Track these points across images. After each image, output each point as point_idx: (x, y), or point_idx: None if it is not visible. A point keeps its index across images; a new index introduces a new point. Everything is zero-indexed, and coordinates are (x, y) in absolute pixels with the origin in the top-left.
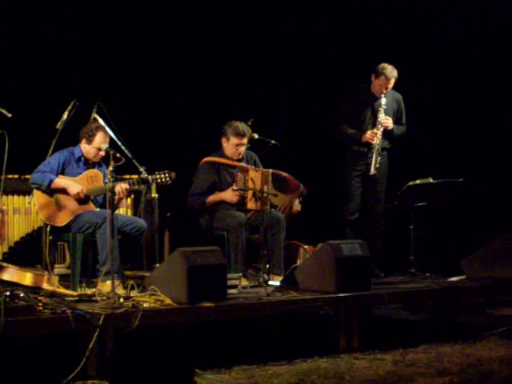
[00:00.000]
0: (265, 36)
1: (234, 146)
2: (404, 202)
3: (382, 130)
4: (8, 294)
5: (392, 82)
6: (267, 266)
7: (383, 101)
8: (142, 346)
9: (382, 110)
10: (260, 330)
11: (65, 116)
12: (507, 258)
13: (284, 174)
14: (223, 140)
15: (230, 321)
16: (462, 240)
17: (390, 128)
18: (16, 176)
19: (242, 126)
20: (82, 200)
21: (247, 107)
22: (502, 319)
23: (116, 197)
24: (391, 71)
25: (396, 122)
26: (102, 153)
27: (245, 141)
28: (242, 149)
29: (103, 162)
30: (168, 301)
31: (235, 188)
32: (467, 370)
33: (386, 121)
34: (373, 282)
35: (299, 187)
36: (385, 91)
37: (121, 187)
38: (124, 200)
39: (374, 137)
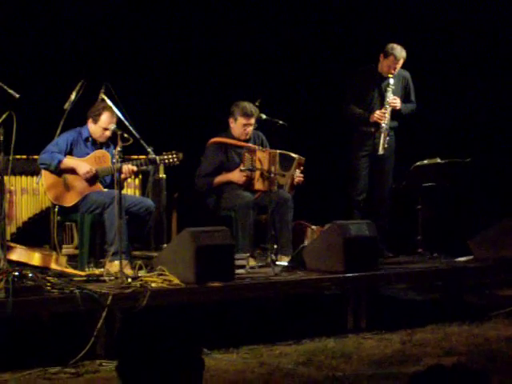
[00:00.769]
0: (273, 16)
1: (241, 126)
2: (411, 182)
3: (390, 110)
4: (16, 274)
5: (401, 62)
6: (275, 246)
7: (391, 81)
8: (150, 326)
9: (390, 89)
10: (267, 309)
11: (72, 96)
12: None
13: (290, 153)
14: (230, 120)
15: (238, 301)
16: (470, 220)
17: (398, 108)
18: (24, 156)
19: (249, 106)
20: (90, 180)
21: (255, 87)
22: (510, 299)
23: (122, 176)
24: (400, 51)
25: (404, 99)
26: (108, 133)
27: (252, 121)
28: (250, 129)
29: (111, 142)
30: (176, 281)
31: (242, 168)
32: (474, 349)
33: (394, 101)
34: (380, 262)
35: (294, 158)
36: (393, 71)
37: (128, 167)
38: (129, 180)
39: (383, 117)
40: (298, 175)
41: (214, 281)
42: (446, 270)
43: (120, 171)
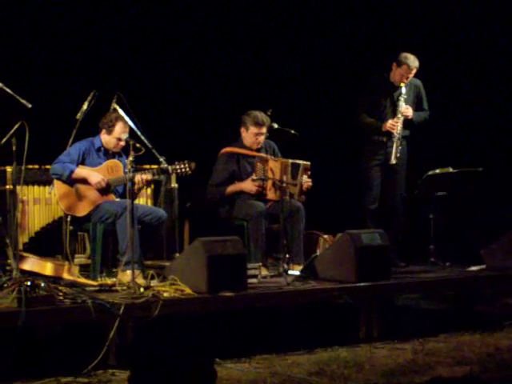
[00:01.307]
0: (285, 27)
1: (253, 135)
2: (424, 191)
3: (402, 119)
4: (29, 283)
5: (414, 72)
6: (287, 255)
7: (403, 90)
8: (162, 336)
9: (402, 99)
10: (279, 319)
11: (85, 106)
12: None
13: (301, 162)
14: (242, 130)
15: (250, 310)
16: (482, 229)
17: (410, 117)
18: (36, 166)
19: (260, 115)
20: (103, 190)
21: (267, 97)
22: None
23: (135, 186)
24: (414, 61)
25: (416, 108)
26: (122, 143)
27: (264, 130)
28: (262, 138)
29: (123, 152)
30: (188, 290)
31: (254, 178)
32: (487, 359)
33: (406, 110)
34: (393, 271)
35: (299, 165)
36: (406, 81)
37: (141, 177)
38: (143, 190)
39: (395, 126)
40: (306, 180)
41: (226, 290)
42: (458, 279)
43: (133, 181)
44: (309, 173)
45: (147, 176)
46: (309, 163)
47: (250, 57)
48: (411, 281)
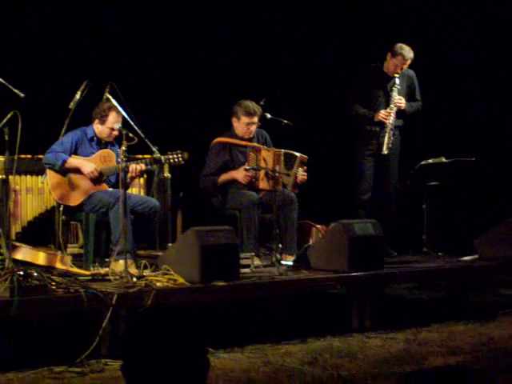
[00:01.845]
0: (277, 16)
1: (244, 125)
2: (416, 181)
3: (395, 110)
4: (21, 273)
5: (408, 62)
6: (280, 245)
7: (397, 80)
8: (155, 325)
9: (395, 89)
10: (272, 309)
11: (77, 96)
12: None
13: (294, 152)
14: (234, 120)
15: (243, 300)
16: (475, 219)
17: (403, 108)
18: (29, 156)
19: (252, 104)
20: (95, 180)
21: (260, 87)
22: None
23: (128, 175)
24: (408, 52)
25: (409, 98)
26: (116, 132)
27: (255, 119)
28: (253, 127)
29: (116, 141)
30: (181, 280)
31: (247, 168)
32: (480, 348)
33: (399, 101)
34: (385, 261)
35: (296, 157)
36: (400, 71)
37: (135, 166)
38: (136, 180)
39: (388, 117)
40: (301, 174)
41: (219, 280)
42: (451, 269)
43: (126, 170)
44: (305, 167)
45: (141, 166)
46: (306, 157)
47: (243, 46)
48: (404, 271)
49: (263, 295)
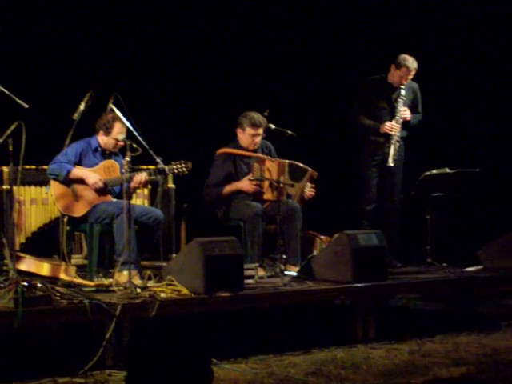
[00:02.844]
0: (282, 26)
1: (249, 136)
2: (420, 191)
3: (401, 121)
4: (25, 284)
5: (413, 73)
6: (284, 256)
7: (403, 92)
8: (159, 336)
9: (401, 101)
10: (276, 319)
11: (81, 107)
12: None
13: (299, 163)
14: (238, 131)
15: (247, 311)
16: (479, 230)
17: (408, 119)
18: (33, 167)
19: (257, 116)
20: (100, 190)
21: (264, 97)
22: None
23: (131, 184)
24: (412, 63)
25: (412, 110)
26: (121, 142)
27: (260, 131)
28: (258, 139)
29: (120, 152)
30: (185, 291)
31: (251, 178)
32: (484, 360)
33: (405, 112)
34: (389, 272)
35: (307, 171)
36: (404, 82)
37: (140, 178)
38: (138, 190)
39: (393, 128)
40: (309, 189)
41: (223, 291)
42: (455, 280)
43: (130, 181)
44: (313, 184)
45: (145, 176)
46: (317, 173)
47: (247, 56)
48: (408, 281)
49: (267, 306)
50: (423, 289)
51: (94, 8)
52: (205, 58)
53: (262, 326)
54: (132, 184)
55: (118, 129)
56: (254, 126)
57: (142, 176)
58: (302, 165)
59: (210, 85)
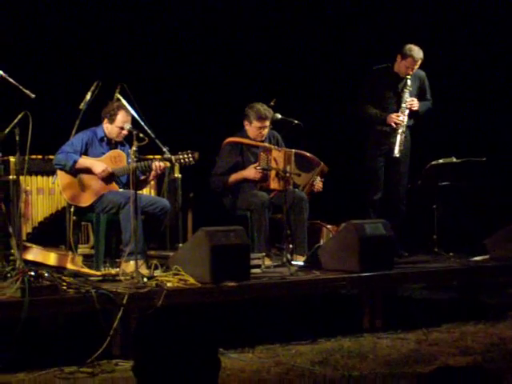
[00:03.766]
0: (288, 16)
1: (256, 128)
2: (427, 181)
3: (407, 112)
4: (32, 273)
5: (419, 63)
6: (290, 245)
7: (409, 82)
8: (166, 326)
9: (407, 91)
10: (283, 309)
11: (88, 96)
12: None
13: (306, 153)
14: (246, 123)
15: (254, 300)
16: (486, 219)
17: (415, 109)
18: (39, 156)
19: (263, 108)
20: (106, 180)
21: (270, 87)
22: None
23: (153, 172)
24: (418, 52)
25: (419, 99)
26: (125, 132)
27: (267, 123)
28: (265, 131)
29: (126, 142)
30: (191, 280)
31: (258, 168)
32: (490, 349)
33: (412, 102)
34: (396, 261)
35: (320, 164)
36: (411, 72)
37: (158, 164)
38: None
39: (399, 120)
40: (318, 183)
41: (230, 280)
42: (462, 269)
43: (150, 167)
44: (323, 179)
45: (165, 163)
46: (327, 168)
47: (254, 46)
48: (415, 271)
49: (274, 295)
50: (430, 278)
51: None
52: (212, 47)
53: (268, 316)
54: (153, 172)
55: (122, 117)
56: (261, 118)
57: (161, 162)
58: (314, 157)
59: (217, 74)
